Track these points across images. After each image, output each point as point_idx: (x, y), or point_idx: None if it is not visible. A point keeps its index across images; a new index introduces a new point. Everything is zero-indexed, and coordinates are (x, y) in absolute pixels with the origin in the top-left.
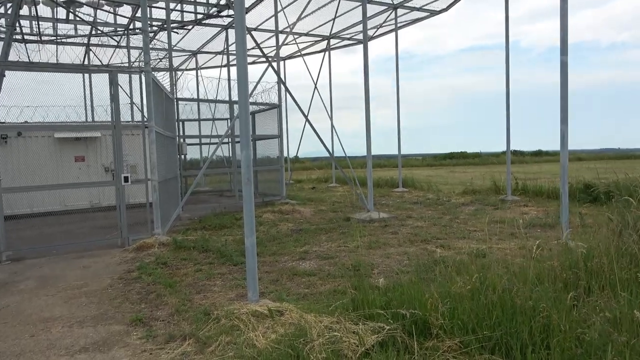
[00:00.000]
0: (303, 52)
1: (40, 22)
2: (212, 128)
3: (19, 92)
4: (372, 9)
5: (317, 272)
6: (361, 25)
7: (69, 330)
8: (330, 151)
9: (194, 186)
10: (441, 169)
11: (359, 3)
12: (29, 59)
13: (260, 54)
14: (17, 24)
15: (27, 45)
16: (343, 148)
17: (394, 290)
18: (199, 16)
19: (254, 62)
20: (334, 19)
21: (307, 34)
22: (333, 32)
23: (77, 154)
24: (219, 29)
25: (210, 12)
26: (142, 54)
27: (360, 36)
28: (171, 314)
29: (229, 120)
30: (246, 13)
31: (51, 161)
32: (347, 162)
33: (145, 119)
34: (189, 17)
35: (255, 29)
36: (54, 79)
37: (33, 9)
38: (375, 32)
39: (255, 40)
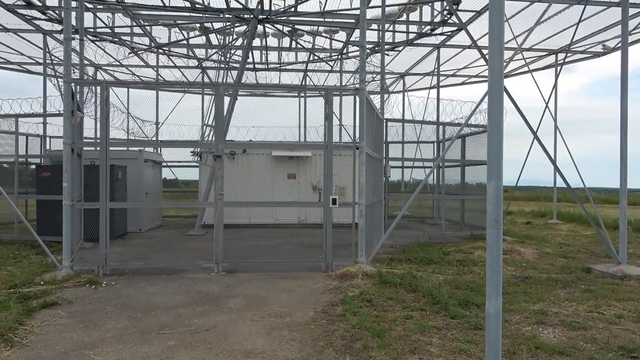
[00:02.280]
0: (530, 68)
1: (268, 52)
2: (416, 151)
3: (246, 115)
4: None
5: (571, 350)
6: (600, 34)
7: None
8: (565, 181)
9: (404, 211)
10: None
11: (604, 7)
12: (257, 83)
13: (472, 73)
14: (250, 54)
15: (256, 72)
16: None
17: None
18: (411, 36)
19: (463, 83)
20: (575, 29)
21: (529, 49)
22: (563, 44)
23: (290, 171)
24: (430, 48)
25: (424, 30)
26: (354, 76)
27: (597, 48)
28: None
29: (434, 144)
30: (465, 27)
31: (268, 177)
32: (572, 195)
33: (355, 140)
34: (400, 38)
35: (470, 46)
36: (275, 103)
37: (263, 40)
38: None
39: (483, 56)
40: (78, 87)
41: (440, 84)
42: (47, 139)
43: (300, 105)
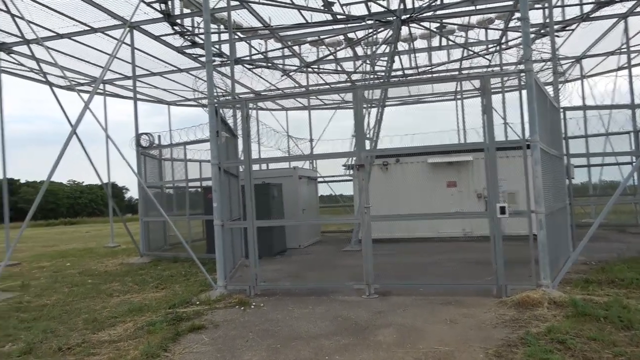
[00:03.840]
0: None
1: (416, 54)
2: (605, 145)
3: (397, 123)
4: None
5: None
6: None
7: None
8: None
9: (601, 218)
10: None
11: None
12: (409, 92)
13: None
14: (399, 60)
15: (407, 79)
16: None
17: None
18: (587, 8)
19: None
20: None
21: None
22: None
23: (449, 179)
24: (614, 20)
25: None
26: (517, 68)
27: None
28: None
29: (631, 135)
30: None
31: (425, 186)
32: None
33: (525, 136)
34: (571, 14)
35: None
36: (428, 109)
37: (411, 44)
38: None
39: None
40: (232, 110)
41: (632, 62)
42: None
43: (457, 108)
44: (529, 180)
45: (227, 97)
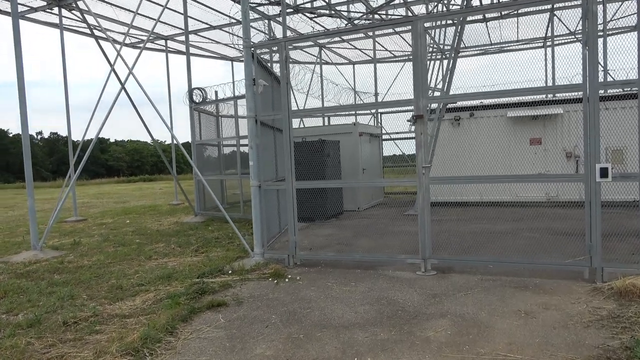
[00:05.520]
0: None
1: None
2: None
3: (472, 75)
4: None
5: None
6: None
7: None
8: None
9: None
10: None
11: None
12: (490, 39)
13: None
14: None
15: (487, 23)
16: None
17: None
18: None
19: None
20: None
21: None
22: None
23: (533, 135)
24: None
25: None
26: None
27: None
28: None
29: None
30: None
31: (504, 144)
32: None
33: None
34: None
35: None
36: (511, 59)
37: None
38: None
39: None
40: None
41: None
42: None
43: (546, 55)
44: None
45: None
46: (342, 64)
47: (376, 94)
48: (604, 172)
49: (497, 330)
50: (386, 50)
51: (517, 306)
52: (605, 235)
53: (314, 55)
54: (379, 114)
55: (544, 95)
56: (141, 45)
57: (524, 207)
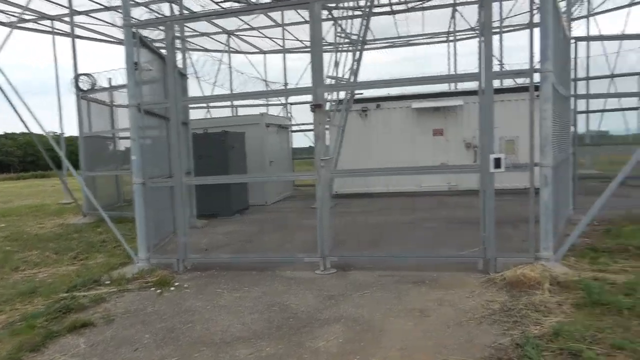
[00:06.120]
0: None
1: None
2: (609, 87)
3: (377, 67)
4: None
5: None
6: None
7: None
8: None
9: (625, 173)
10: None
11: None
12: (397, 32)
13: None
14: None
15: (395, 16)
16: None
17: None
18: None
19: None
20: None
21: None
22: None
23: (436, 126)
24: None
25: None
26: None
27: None
28: None
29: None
30: None
31: (408, 135)
32: None
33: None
34: None
35: None
36: (416, 53)
37: None
38: None
39: None
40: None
41: None
42: None
43: (449, 50)
44: (535, 124)
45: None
46: (252, 53)
47: (286, 84)
48: (497, 163)
49: (391, 334)
50: (297, 40)
51: (413, 304)
52: (503, 222)
53: (223, 44)
54: (289, 105)
55: (447, 87)
56: (23, 25)
57: (429, 197)
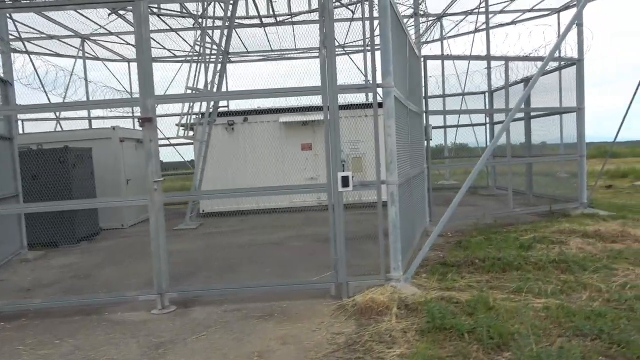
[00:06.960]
0: None
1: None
2: (461, 104)
3: (246, 79)
4: None
5: None
6: None
7: None
8: None
9: (467, 185)
10: None
11: None
12: (270, 45)
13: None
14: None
15: (265, 28)
16: None
17: None
18: None
19: (514, 22)
20: None
21: None
22: None
23: (304, 140)
24: None
25: None
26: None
27: None
28: None
29: (486, 95)
30: None
31: (276, 150)
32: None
33: (370, 79)
34: None
35: None
36: (289, 68)
37: None
38: None
39: None
40: None
41: (490, 23)
42: None
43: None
44: (380, 140)
45: None
46: (114, 60)
47: (131, 93)
48: (345, 181)
49: None
50: (164, 48)
51: (253, 346)
52: (365, 237)
53: (76, 48)
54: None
55: (318, 100)
56: None
57: (299, 212)
